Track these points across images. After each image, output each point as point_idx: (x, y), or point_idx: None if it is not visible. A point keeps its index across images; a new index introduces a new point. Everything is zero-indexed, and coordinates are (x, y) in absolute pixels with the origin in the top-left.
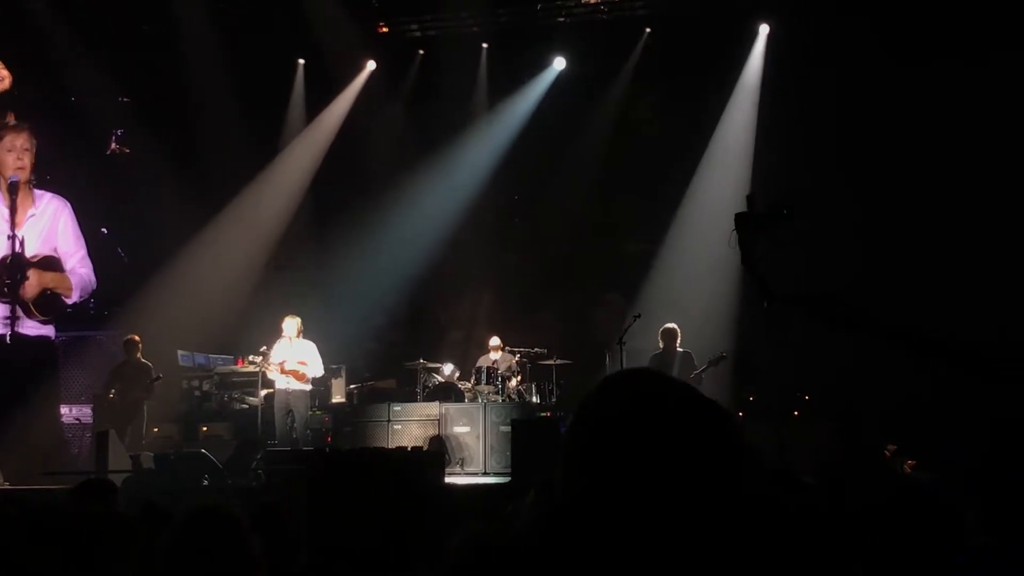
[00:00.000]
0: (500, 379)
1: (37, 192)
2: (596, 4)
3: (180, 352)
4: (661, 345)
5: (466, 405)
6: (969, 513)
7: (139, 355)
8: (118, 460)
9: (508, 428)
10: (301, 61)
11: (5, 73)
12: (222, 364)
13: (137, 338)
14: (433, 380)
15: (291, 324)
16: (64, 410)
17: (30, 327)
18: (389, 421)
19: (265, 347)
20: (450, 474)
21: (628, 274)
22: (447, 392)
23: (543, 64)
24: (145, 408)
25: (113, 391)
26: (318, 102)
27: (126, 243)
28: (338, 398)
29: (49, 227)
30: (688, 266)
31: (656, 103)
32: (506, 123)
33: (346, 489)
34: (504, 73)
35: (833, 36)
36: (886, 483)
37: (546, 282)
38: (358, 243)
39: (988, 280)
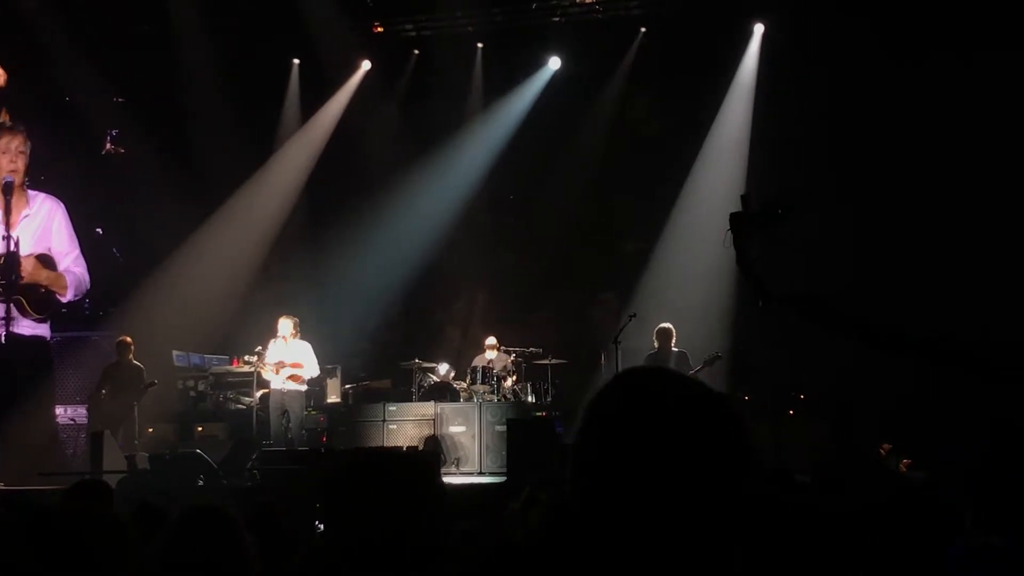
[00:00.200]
0: (495, 379)
1: (31, 192)
2: (591, 4)
3: (175, 352)
4: (656, 345)
5: (461, 405)
6: (965, 511)
7: (131, 357)
8: (113, 460)
9: (503, 428)
10: (296, 61)
11: (0, 71)
12: (217, 364)
13: (129, 339)
14: (428, 380)
15: (286, 324)
16: (59, 411)
17: (25, 327)
18: (384, 421)
19: (260, 347)
20: (446, 474)
21: (623, 274)
22: (442, 392)
23: (538, 64)
24: (136, 409)
25: (104, 391)
26: (313, 102)
27: (121, 243)
28: (333, 398)
29: (43, 227)
30: (683, 266)
31: (651, 103)
32: (501, 123)
33: (352, 489)
34: (499, 73)
35: (828, 35)
36: (881, 482)
37: (541, 282)
38: (353, 243)
39: (982, 280)
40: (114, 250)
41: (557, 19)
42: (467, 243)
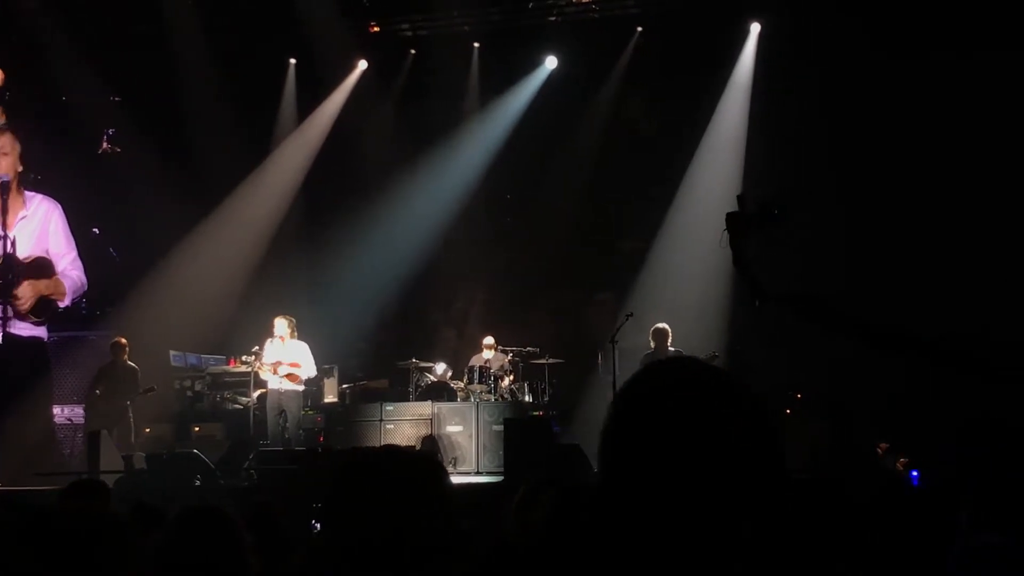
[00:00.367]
0: (492, 378)
1: (28, 194)
2: (587, 3)
3: (172, 352)
4: (653, 345)
5: (459, 404)
6: (961, 510)
7: (125, 357)
8: (110, 460)
9: (500, 427)
10: (292, 60)
11: None
12: (214, 364)
13: (124, 340)
14: (425, 379)
15: (282, 324)
16: (56, 411)
17: (22, 328)
18: (382, 421)
19: (257, 347)
20: None
21: (620, 273)
22: (439, 391)
23: (535, 63)
24: (132, 409)
25: (98, 391)
26: (309, 102)
27: (118, 243)
28: (330, 398)
29: (40, 229)
30: (680, 265)
31: (648, 102)
32: (498, 122)
33: (353, 489)
34: (496, 72)
35: (824, 34)
36: (878, 480)
37: (538, 281)
38: (350, 243)
39: (979, 279)
40: (111, 250)
41: (553, 19)
42: (464, 243)
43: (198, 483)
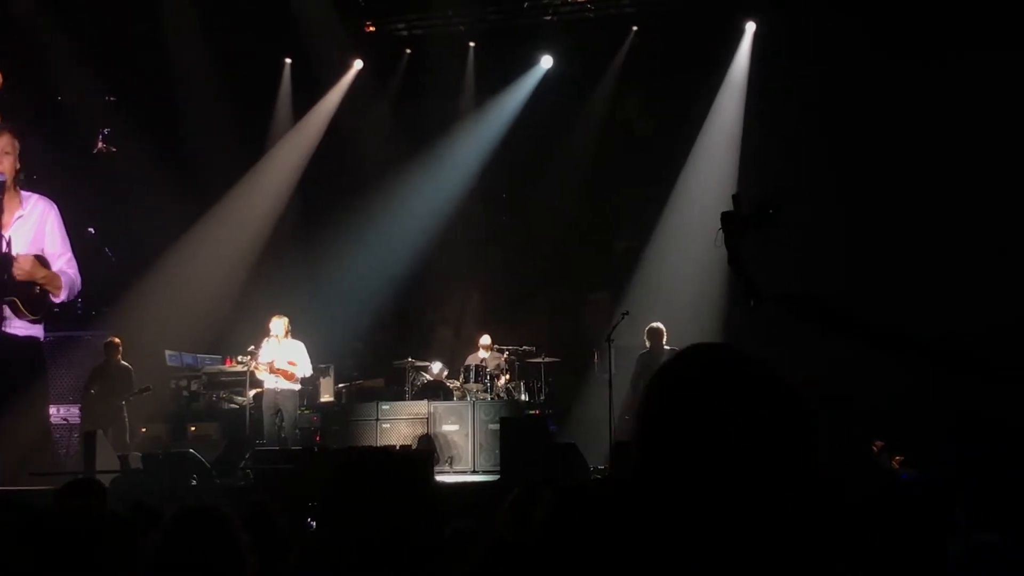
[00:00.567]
0: (489, 377)
1: (24, 193)
2: (583, 3)
3: (168, 352)
4: (648, 344)
5: (455, 403)
6: (957, 508)
7: (119, 357)
8: (106, 460)
9: (497, 426)
10: (288, 60)
11: None
12: (210, 364)
13: (117, 340)
14: (421, 379)
15: (278, 324)
16: (52, 410)
17: (18, 327)
18: (377, 420)
19: (253, 347)
20: (439, 472)
21: (616, 272)
22: (435, 390)
23: (530, 63)
24: (127, 409)
25: (92, 391)
26: (305, 101)
27: (113, 243)
28: (326, 397)
29: (36, 229)
30: (676, 264)
31: (643, 101)
32: (493, 122)
33: (341, 488)
34: (491, 72)
35: (820, 33)
36: (874, 479)
37: (534, 280)
38: (346, 242)
39: (976, 279)
40: (106, 249)
41: (549, 18)
42: (460, 242)
43: (194, 483)
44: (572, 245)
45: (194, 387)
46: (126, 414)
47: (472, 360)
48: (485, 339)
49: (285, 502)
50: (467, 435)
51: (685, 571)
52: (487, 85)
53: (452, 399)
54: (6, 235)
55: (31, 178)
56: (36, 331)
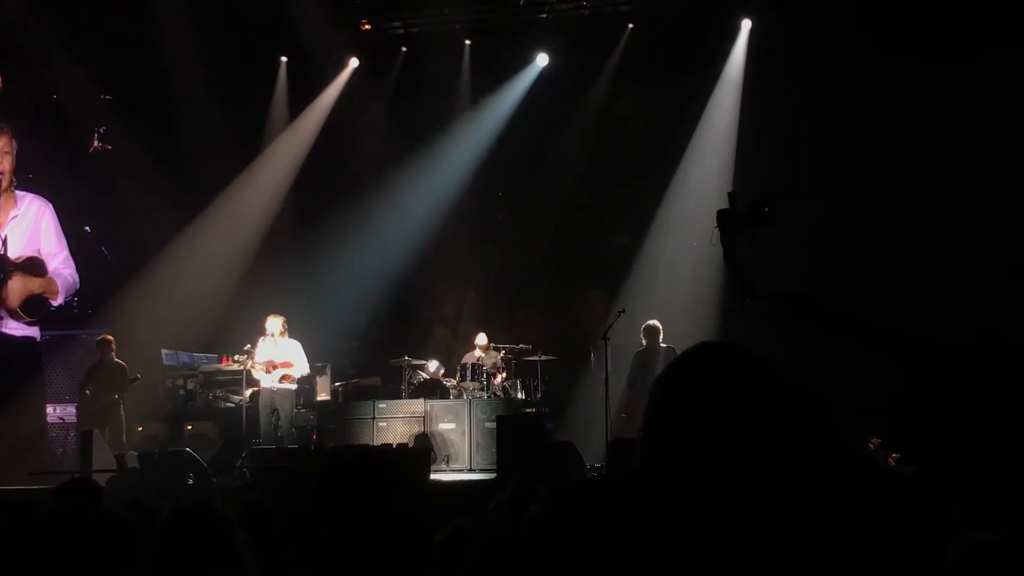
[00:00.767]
0: (485, 375)
1: (19, 193)
2: (578, 0)
3: (164, 351)
4: (644, 342)
5: (451, 402)
6: (955, 505)
7: (113, 355)
8: (103, 459)
9: (493, 424)
10: (283, 59)
11: None
12: (206, 363)
13: (111, 337)
14: (418, 377)
15: (275, 323)
16: (48, 409)
17: (15, 327)
18: (374, 418)
19: (249, 345)
20: (436, 471)
21: (612, 270)
22: (432, 389)
23: (526, 60)
24: (123, 408)
25: (88, 391)
26: (301, 100)
27: (109, 242)
28: (323, 396)
29: (32, 228)
30: (671, 262)
31: (639, 99)
32: (489, 120)
33: (334, 487)
34: (487, 70)
35: (816, 31)
36: (871, 476)
37: (530, 278)
38: (342, 240)
39: (973, 278)
40: (102, 248)
41: (545, 16)
42: (456, 240)
43: (191, 482)
44: (568, 243)
45: (190, 386)
46: (123, 412)
47: (468, 358)
48: (481, 337)
49: (282, 501)
50: (464, 433)
51: (687, 570)
52: (483, 83)
53: (449, 397)
54: (2, 235)
55: (27, 177)
56: (33, 331)
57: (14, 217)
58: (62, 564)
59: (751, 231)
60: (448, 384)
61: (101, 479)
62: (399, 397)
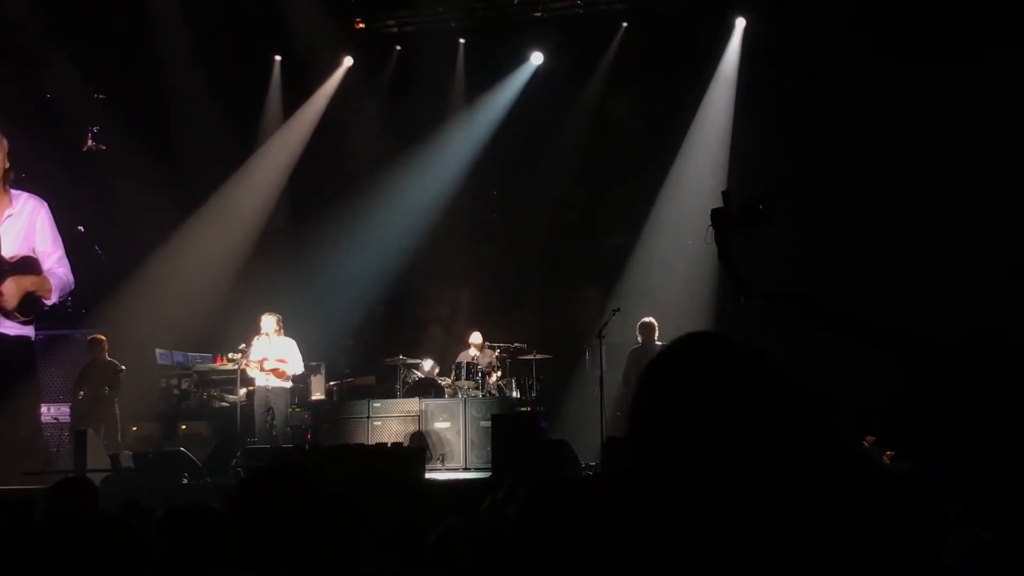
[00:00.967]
0: (480, 374)
1: (14, 192)
2: None
3: (158, 350)
4: (640, 339)
5: (446, 401)
6: (950, 504)
7: (104, 354)
8: (97, 459)
9: (488, 423)
10: (277, 58)
11: None
12: (201, 362)
13: (102, 337)
14: (413, 376)
15: (269, 321)
16: (43, 409)
17: (9, 327)
18: (369, 417)
19: (244, 344)
20: (431, 470)
21: (607, 269)
22: (427, 388)
23: (520, 59)
24: (117, 407)
25: (82, 392)
26: (295, 99)
27: (103, 241)
28: (318, 395)
29: (27, 227)
30: (666, 260)
31: (633, 98)
32: (484, 119)
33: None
34: (481, 68)
35: (810, 30)
36: (866, 474)
37: (525, 277)
38: (337, 239)
39: (971, 277)
40: (96, 248)
41: (539, 14)
42: (451, 239)
43: (185, 481)
44: (563, 242)
45: (185, 385)
46: (117, 411)
47: (463, 357)
48: (476, 336)
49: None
50: (459, 432)
51: (679, 569)
52: (477, 82)
53: (444, 396)
54: None
55: (20, 176)
56: (27, 331)
57: (9, 216)
58: (62, 564)
59: (745, 230)
60: (443, 383)
61: (96, 479)
62: (394, 396)
